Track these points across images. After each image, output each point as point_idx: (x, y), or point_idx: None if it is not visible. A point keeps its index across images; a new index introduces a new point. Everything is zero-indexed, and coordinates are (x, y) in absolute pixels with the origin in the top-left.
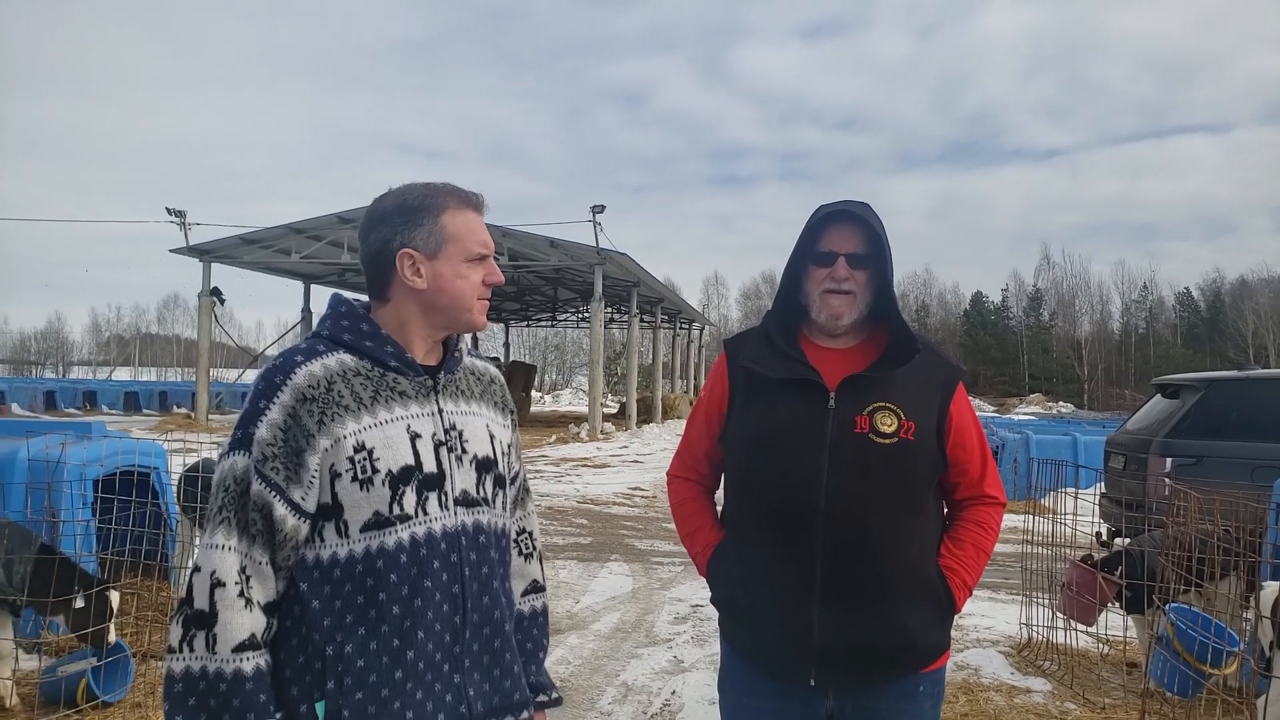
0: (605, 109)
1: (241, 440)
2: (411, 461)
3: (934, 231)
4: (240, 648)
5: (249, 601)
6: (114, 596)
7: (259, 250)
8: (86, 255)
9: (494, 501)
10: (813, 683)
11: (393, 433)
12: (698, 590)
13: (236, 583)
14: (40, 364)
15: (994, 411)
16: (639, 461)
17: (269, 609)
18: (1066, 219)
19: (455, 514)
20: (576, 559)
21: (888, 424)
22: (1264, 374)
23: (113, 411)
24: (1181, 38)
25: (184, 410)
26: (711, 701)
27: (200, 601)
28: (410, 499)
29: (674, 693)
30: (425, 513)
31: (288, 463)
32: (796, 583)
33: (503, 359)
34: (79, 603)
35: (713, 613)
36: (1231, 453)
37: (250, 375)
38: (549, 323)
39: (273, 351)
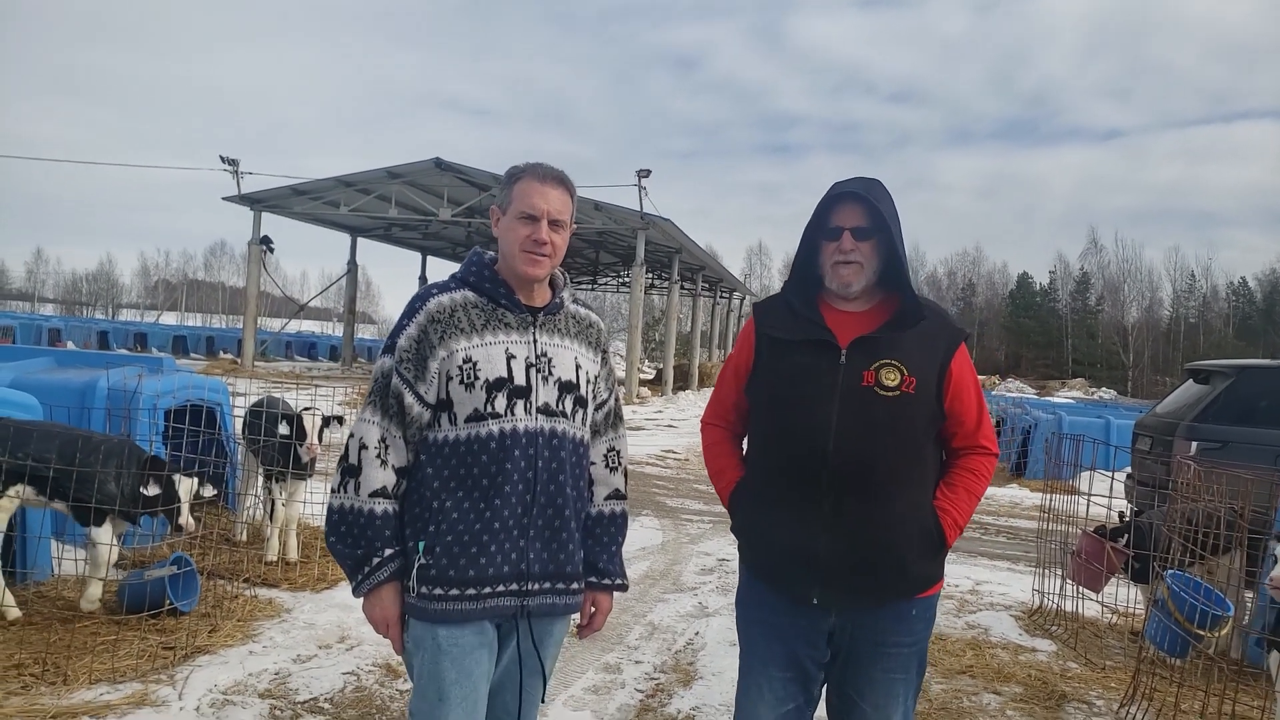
0: (657, 74)
1: (389, 347)
2: (505, 375)
3: (984, 210)
4: (374, 494)
5: (384, 462)
6: (185, 483)
7: (309, 201)
8: (141, 200)
9: (573, 416)
10: (815, 601)
11: (494, 352)
12: (725, 545)
13: (376, 447)
14: (90, 305)
15: (1033, 393)
16: (673, 426)
17: (400, 472)
18: (1121, 202)
19: (536, 419)
20: None
21: (891, 378)
22: None
23: (162, 354)
24: (1249, 20)
25: (230, 356)
26: (732, 644)
27: (352, 458)
28: (501, 402)
29: (697, 633)
30: (513, 414)
31: (417, 365)
32: (806, 514)
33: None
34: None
35: (737, 566)
36: (1258, 439)
37: (294, 325)
38: (589, 286)
39: (316, 303)
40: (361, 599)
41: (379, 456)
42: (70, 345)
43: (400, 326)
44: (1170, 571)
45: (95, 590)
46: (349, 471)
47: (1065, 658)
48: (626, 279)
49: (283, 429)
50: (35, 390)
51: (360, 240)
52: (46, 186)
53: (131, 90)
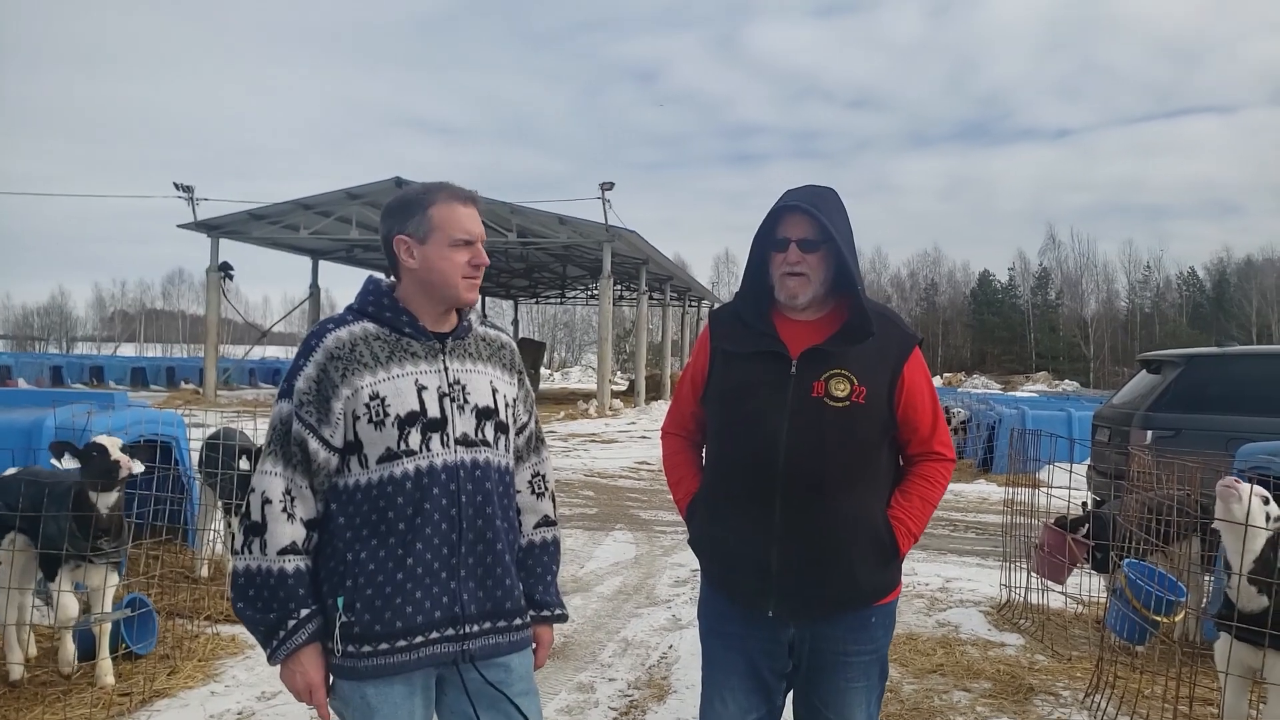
0: (620, 87)
1: (286, 390)
2: (417, 408)
3: (944, 211)
4: (283, 551)
5: (291, 516)
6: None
7: (267, 226)
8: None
9: (495, 443)
10: (770, 613)
11: (402, 385)
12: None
13: (280, 501)
14: (43, 339)
15: (998, 389)
16: (646, 437)
17: (310, 524)
18: (1076, 199)
19: (455, 451)
20: (583, 528)
21: (841, 389)
22: (1241, 350)
23: (120, 387)
24: (1191, 20)
25: (192, 386)
26: None
27: (255, 515)
28: (415, 438)
29: (671, 647)
30: (429, 449)
31: (319, 407)
32: (759, 526)
33: (511, 335)
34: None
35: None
36: (1209, 425)
37: (257, 352)
38: (558, 300)
39: (280, 328)
40: (278, 666)
41: (285, 510)
42: (21, 383)
43: (296, 368)
44: (1127, 561)
45: (66, 650)
46: (253, 530)
47: (1033, 650)
48: (595, 292)
49: (243, 463)
50: None
51: (322, 263)
52: None
53: (80, 117)
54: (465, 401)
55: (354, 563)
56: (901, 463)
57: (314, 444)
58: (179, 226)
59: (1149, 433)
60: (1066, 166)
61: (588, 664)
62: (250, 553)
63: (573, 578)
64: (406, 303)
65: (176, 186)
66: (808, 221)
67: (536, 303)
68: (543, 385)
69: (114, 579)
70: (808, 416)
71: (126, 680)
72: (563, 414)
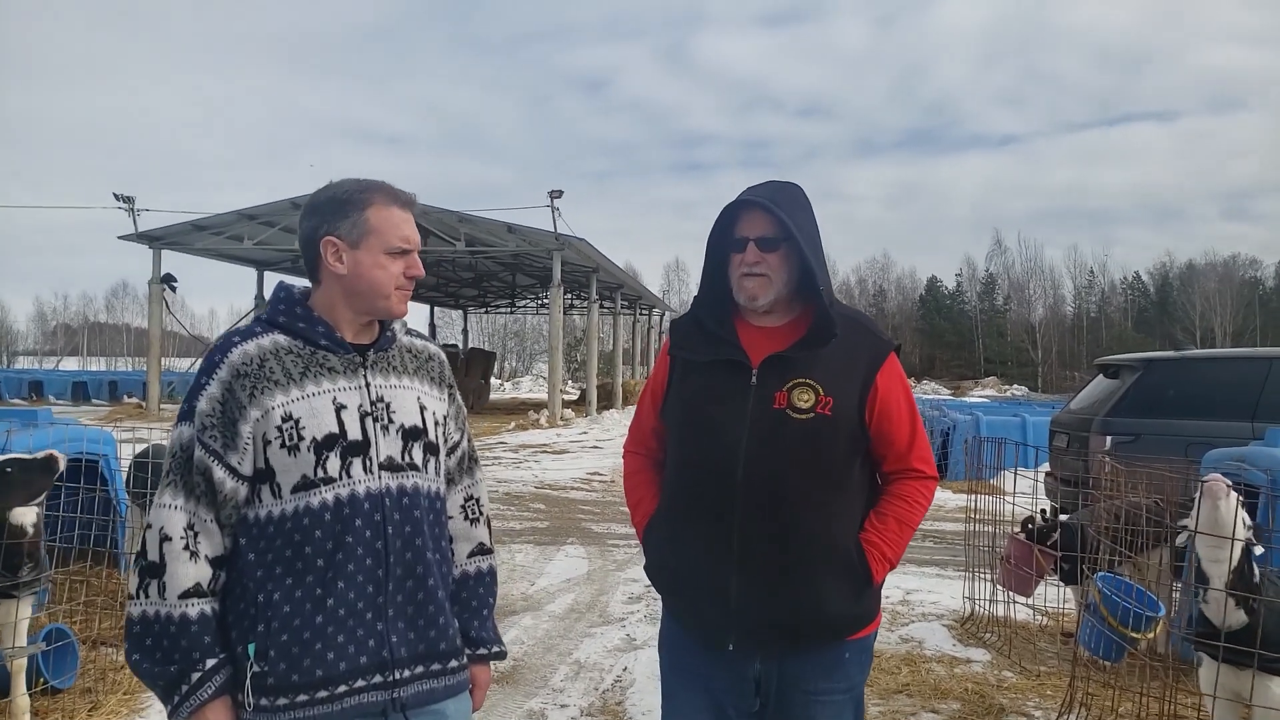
0: (568, 96)
1: (186, 412)
2: (335, 430)
3: (893, 218)
4: (185, 595)
5: (194, 554)
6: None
7: (210, 237)
8: (31, 242)
9: (424, 467)
10: (731, 648)
11: (318, 404)
12: None
13: (182, 537)
14: None
15: (949, 394)
16: (598, 447)
17: (216, 562)
18: (1022, 205)
19: (380, 477)
20: (533, 543)
21: (805, 399)
22: (1199, 354)
23: (60, 401)
24: (1133, 29)
25: (135, 400)
26: None
27: (152, 554)
28: (334, 463)
29: (625, 669)
30: (349, 476)
31: (225, 431)
32: (716, 551)
33: (461, 346)
34: None
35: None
36: (1168, 430)
37: None
38: (508, 309)
39: None
40: None
41: (187, 548)
42: None
43: (198, 386)
44: (1100, 574)
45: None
46: (149, 571)
47: (1000, 666)
48: (545, 300)
49: None
50: None
51: (267, 273)
52: None
53: (11, 125)
54: (390, 421)
55: (266, 605)
56: (879, 481)
57: (219, 472)
58: (120, 238)
59: (1108, 438)
60: (1012, 173)
61: (538, 689)
62: (147, 597)
63: (523, 595)
64: (323, 311)
65: (116, 197)
66: (766, 218)
67: (486, 312)
68: (493, 395)
69: (27, 610)
70: (768, 429)
71: (44, 717)
72: (514, 424)
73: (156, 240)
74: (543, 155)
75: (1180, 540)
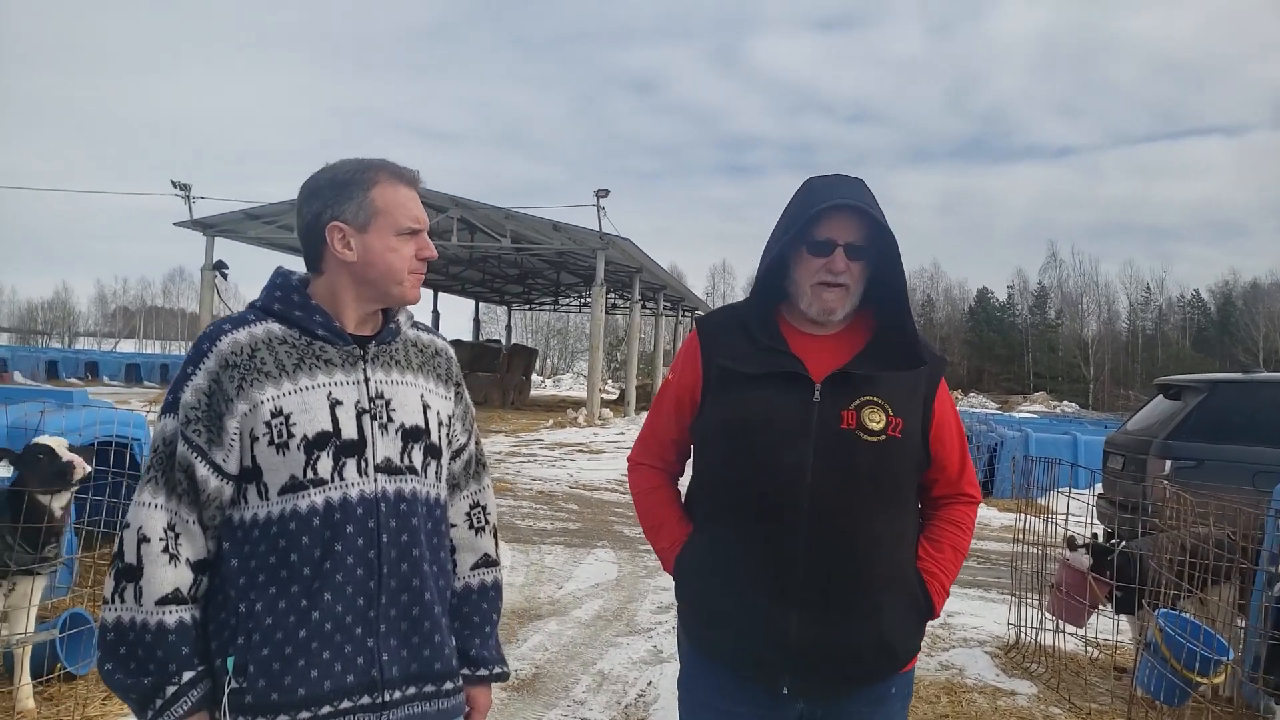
0: (618, 96)
1: (171, 404)
2: (329, 427)
3: (942, 227)
4: (163, 600)
5: (173, 557)
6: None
7: (262, 225)
8: (95, 227)
9: (424, 471)
10: (786, 690)
11: (311, 399)
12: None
13: (161, 539)
14: (46, 334)
15: (996, 409)
16: None
17: (198, 566)
18: (1077, 218)
19: (375, 481)
20: (563, 544)
21: (876, 420)
22: (1269, 377)
23: (113, 383)
24: (1195, 40)
25: None
26: None
27: (129, 556)
28: (325, 464)
29: (650, 683)
30: (342, 478)
31: (209, 426)
32: (775, 584)
33: (504, 341)
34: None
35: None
36: (1233, 456)
37: None
38: (551, 306)
39: None
40: None
41: (166, 550)
42: (17, 376)
43: (184, 376)
44: (1160, 611)
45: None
46: (125, 574)
47: (1048, 701)
48: (588, 299)
49: None
50: None
51: (280, 265)
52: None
53: (80, 114)
54: (389, 419)
55: (248, 615)
56: (921, 506)
57: (203, 470)
58: (175, 225)
59: (1168, 462)
60: (1068, 185)
61: (559, 699)
62: (122, 601)
63: (550, 599)
64: (323, 300)
65: (174, 185)
66: (858, 224)
67: (530, 309)
68: (534, 392)
69: (37, 594)
70: (838, 453)
71: (55, 704)
72: (552, 422)
73: (210, 227)
74: (590, 154)
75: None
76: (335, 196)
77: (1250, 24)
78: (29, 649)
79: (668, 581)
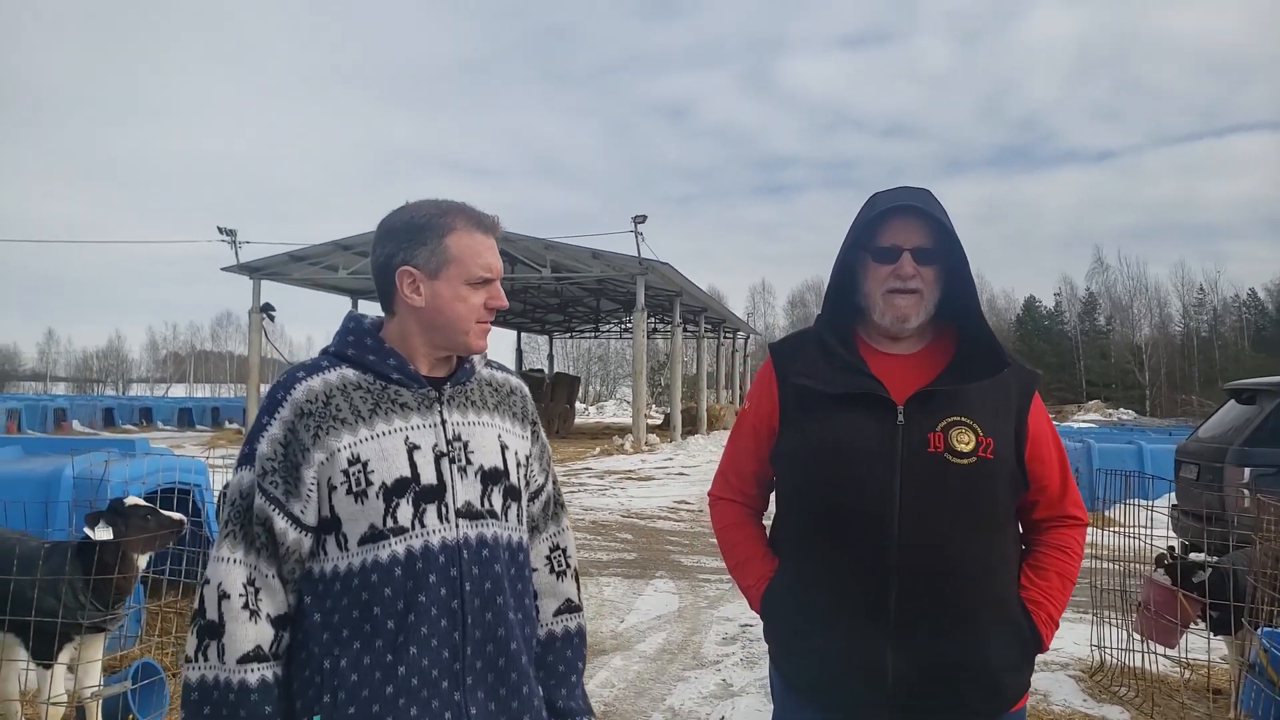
0: (651, 122)
1: (247, 456)
2: (407, 473)
3: (984, 236)
4: (245, 659)
5: (254, 613)
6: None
7: (307, 267)
8: (145, 274)
9: (504, 514)
10: None
11: (389, 445)
12: (746, 609)
13: (241, 595)
14: (101, 381)
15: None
16: (684, 474)
17: (279, 621)
18: (1122, 221)
19: (457, 526)
20: (621, 575)
21: (965, 441)
22: None
23: (167, 427)
24: (1236, 37)
25: (235, 426)
26: None
27: (210, 613)
28: (405, 511)
29: (723, 718)
30: (423, 525)
31: (286, 477)
32: (867, 618)
33: (546, 370)
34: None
35: (762, 633)
36: None
37: None
38: (592, 334)
39: None
40: None
41: (247, 606)
42: (76, 424)
43: (259, 427)
44: (1264, 630)
45: None
46: (207, 631)
47: None
48: (628, 325)
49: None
50: None
51: (362, 302)
52: (54, 267)
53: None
54: (468, 462)
55: (332, 672)
56: (1022, 529)
57: (281, 522)
58: (223, 270)
59: (1246, 470)
60: (1110, 188)
61: None
62: (205, 660)
63: (612, 633)
64: (396, 343)
65: (220, 230)
66: (923, 226)
67: (571, 337)
68: (577, 420)
69: (100, 649)
70: (926, 477)
71: None
72: (598, 449)
73: (256, 271)
74: (626, 181)
75: None
76: (409, 240)
77: None
78: (100, 701)
79: (732, 612)
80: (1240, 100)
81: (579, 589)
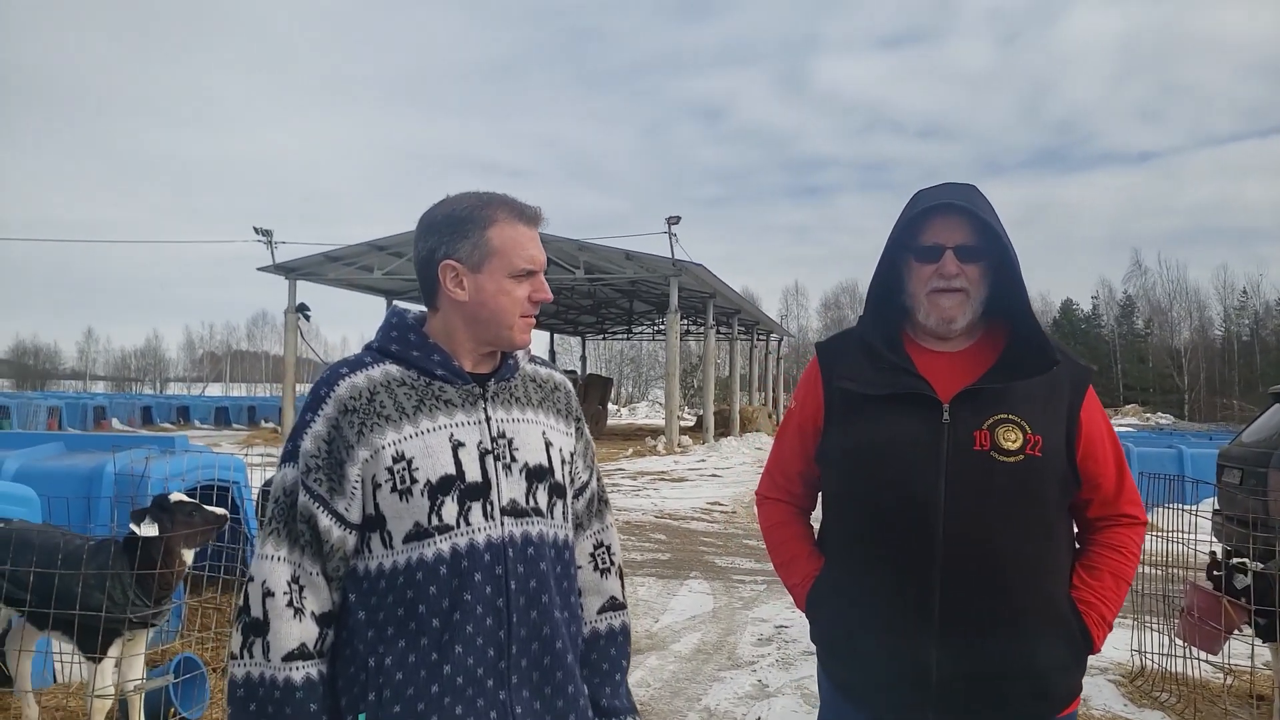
0: (684, 124)
1: (290, 453)
2: (452, 470)
3: (1022, 238)
4: (290, 656)
5: (298, 611)
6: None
7: (342, 267)
8: (183, 275)
9: (550, 512)
10: None
11: (433, 441)
12: (781, 610)
13: (286, 592)
14: (139, 380)
15: None
16: (717, 475)
17: (323, 619)
18: (1162, 224)
19: (502, 524)
20: (655, 576)
21: (1011, 439)
22: None
23: (204, 426)
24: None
25: (271, 425)
26: None
27: (255, 610)
28: (450, 509)
29: (759, 719)
30: (468, 523)
31: (330, 474)
32: (912, 617)
33: (579, 372)
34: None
35: (798, 634)
36: None
37: None
38: (625, 335)
39: None
40: None
41: (291, 604)
42: (115, 422)
43: (303, 423)
44: None
45: None
46: (253, 628)
47: None
48: (662, 326)
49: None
50: (40, 479)
51: (396, 302)
52: (94, 267)
53: (163, 166)
54: (513, 459)
55: (378, 670)
56: (1076, 529)
57: (325, 520)
58: (259, 270)
59: None
60: (1151, 190)
61: None
62: (250, 657)
63: (647, 633)
64: (440, 338)
65: (256, 231)
66: (966, 224)
67: (604, 339)
68: (610, 421)
69: (143, 643)
70: (971, 476)
71: None
72: (631, 451)
73: (292, 271)
74: (659, 183)
75: None
76: (451, 233)
77: None
78: (143, 695)
79: (767, 613)
80: None
81: (623, 587)
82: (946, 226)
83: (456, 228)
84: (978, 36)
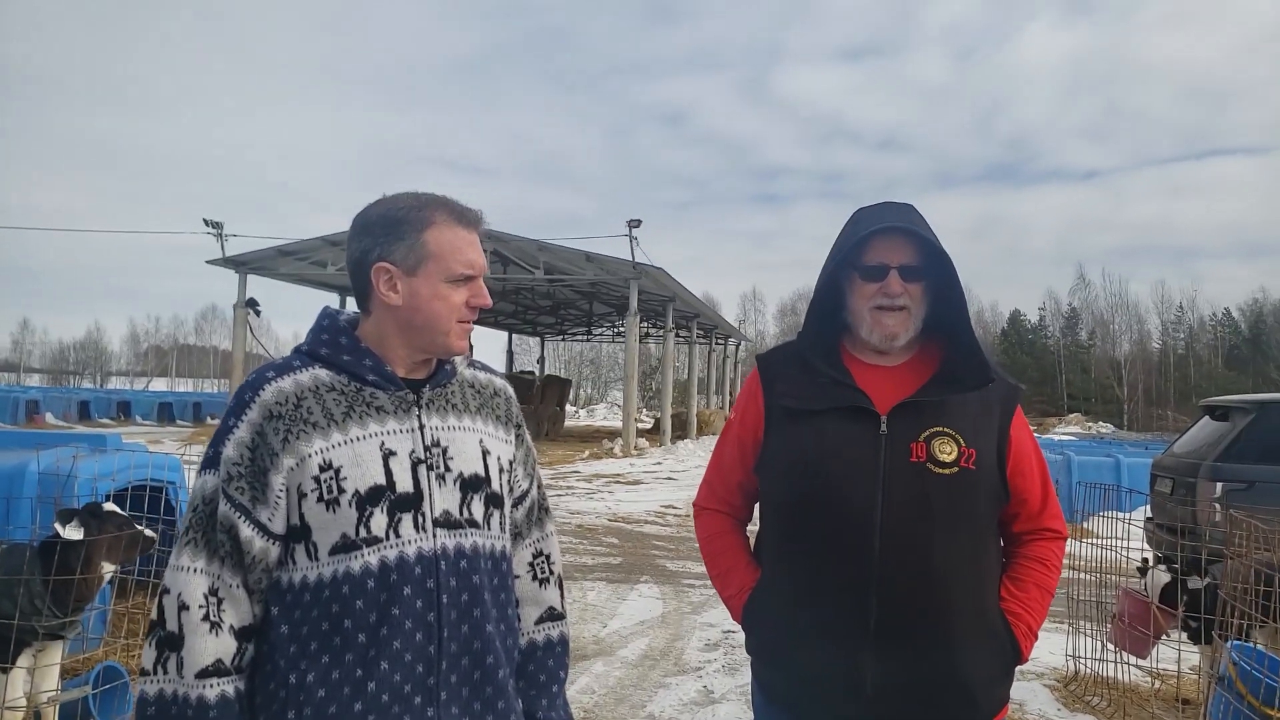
0: (649, 128)
1: (211, 459)
2: (382, 481)
3: (972, 250)
4: (204, 673)
5: (215, 625)
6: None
7: (295, 262)
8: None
9: (485, 523)
10: None
11: (363, 450)
12: (729, 616)
13: (202, 605)
14: (78, 374)
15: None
16: (673, 478)
17: (243, 633)
18: (1105, 240)
19: (434, 536)
20: (605, 580)
21: (947, 452)
22: None
23: (146, 422)
24: (1219, 64)
25: (217, 421)
26: None
27: (170, 624)
28: (380, 521)
29: None
30: (398, 535)
31: (253, 482)
32: (847, 628)
33: (538, 373)
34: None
35: (744, 643)
36: None
37: None
38: (584, 337)
39: None
40: None
41: (208, 618)
42: (49, 417)
43: (225, 429)
44: (1233, 643)
45: None
46: (166, 643)
47: None
48: (621, 329)
49: None
50: None
51: (349, 300)
52: (31, 255)
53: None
54: (447, 469)
55: (298, 687)
56: (1003, 542)
57: (246, 530)
58: (208, 262)
59: (1219, 485)
60: (1095, 207)
61: None
62: (164, 674)
63: (594, 638)
64: (372, 343)
65: (206, 223)
66: (909, 244)
67: (563, 340)
68: (568, 423)
69: (58, 654)
70: (908, 487)
71: None
72: (588, 453)
73: (242, 265)
74: (622, 186)
75: None
76: (386, 235)
77: (1270, 48)
78: (57, 706)
79: (715, 618)
80: (1220, 125)
81: (563, 596)
82: (891, 246)
83: (392, 229)
84: (934, 52)
